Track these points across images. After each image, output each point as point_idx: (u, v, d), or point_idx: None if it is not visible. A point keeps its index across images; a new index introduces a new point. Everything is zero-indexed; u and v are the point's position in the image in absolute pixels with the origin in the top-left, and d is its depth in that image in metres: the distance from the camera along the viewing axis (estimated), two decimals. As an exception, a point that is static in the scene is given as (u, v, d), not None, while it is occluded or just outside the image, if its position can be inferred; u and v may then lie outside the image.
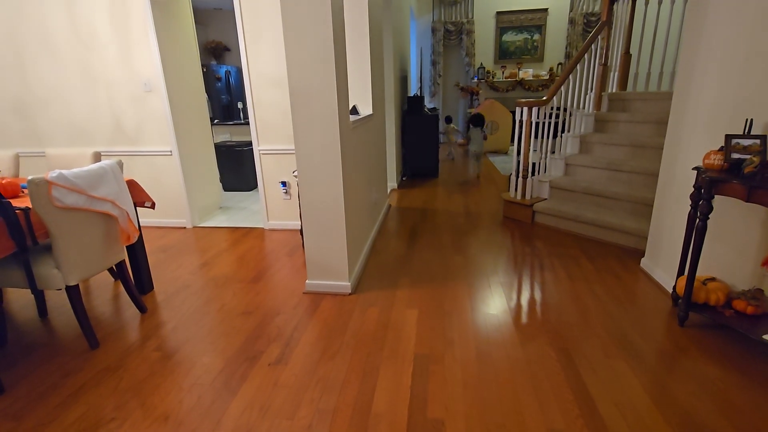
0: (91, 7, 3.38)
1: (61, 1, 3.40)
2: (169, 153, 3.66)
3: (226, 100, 6.95)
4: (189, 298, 2.50)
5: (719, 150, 1.91)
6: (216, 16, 7.23)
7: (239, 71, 7.35)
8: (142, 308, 2.35)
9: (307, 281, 2.53)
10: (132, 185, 2.43)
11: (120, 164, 2.18)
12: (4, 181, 2.11)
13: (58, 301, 2.51)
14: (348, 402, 1.62)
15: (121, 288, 2.67)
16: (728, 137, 1.87)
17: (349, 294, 2.47)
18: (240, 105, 6.54)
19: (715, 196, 1.91)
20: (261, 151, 3.53)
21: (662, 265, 2.49)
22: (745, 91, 1.91)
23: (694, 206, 2.04)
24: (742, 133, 1.86)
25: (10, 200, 1.92)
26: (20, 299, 2.56)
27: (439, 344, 1.97)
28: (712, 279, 2.08)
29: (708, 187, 1.86)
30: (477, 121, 5.28)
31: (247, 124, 5.48)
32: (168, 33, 3.50)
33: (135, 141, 3.69)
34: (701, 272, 2.20)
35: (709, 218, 1.94)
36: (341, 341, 2.02)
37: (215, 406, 1.63)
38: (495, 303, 2.33)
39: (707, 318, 1.98)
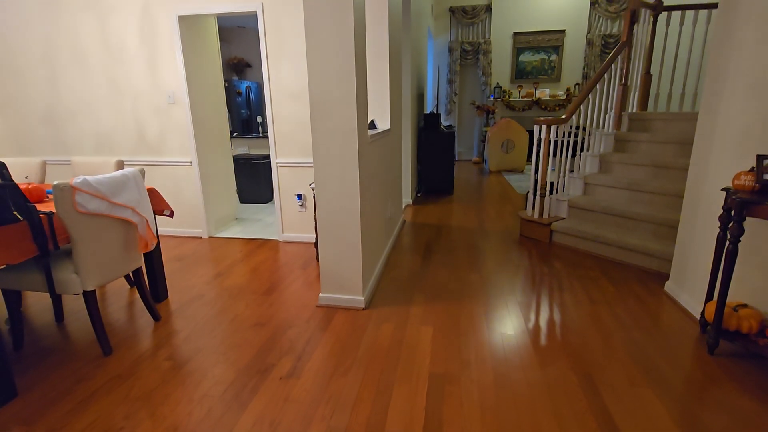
0: (123, 23, 3.52)
1: (94, 16, 3.55)
2: (189, 164, 3.73)
3: (246, 114, 7.10)
4: (202, 308, 2.49)
5: (750, 171, 1.85)
6: (239, 34, 7.46)
7: (259, 86, 7.53)
8: (156, 316, 2.35)
9: (320, 294, 2.50)
10: (152, 193, 2.47)
11: (142, 172, 2.22)
12: (30, 186, 2.16)
13: (74, 307, 2.53)
14: (360, 421, 1.57)
15: (136, 295, 2.68)
16: (759, 158, 1.80)
17: (363, 309, 2.43)
18: (259, 119, 6.67)
19: (747, 218, 1.84)
20: (278, 164, 3.56)
21: (688, 289, 2.40)
22: (777, 111, 1.86)
23: (724, 228, 1.96)
24: (774, 154, 1.80)
25: (35, 205, 1.96)
26: (38, 303, 2.59)
27: (455, 364, 1.91)
28: (744, 305, 1.98)
29: (739, 208, 1.79)
30: None
31: (265, 137, 5.57)
32: (193, 49, 3.61)
33: (157, 151, 3.77)
34: (731, 298, 2.10)
35: (740, 241, 1.87)
36: (354, 357, 1.97)
37: (225, 419, 1.59)
38: (513, 323, 2.26)
39: (739, 347, 1.88)
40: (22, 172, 2.78)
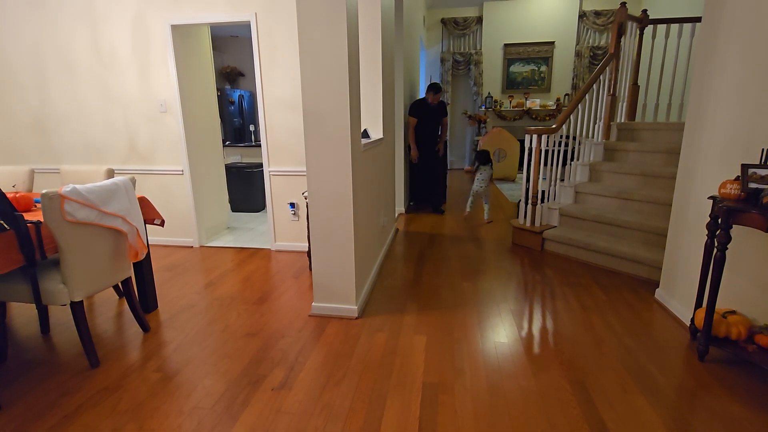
0: (115, 31, 3.51)
1: (86, 23, 3.54)
2: (180, 172, 3.70)
3: (238, 123, 7.10)
4: (193, 318, 2.46)
5: (735, 179, 1.89)
6: (232, 43, 7.49)
7: (252, 95, 7.54)
8: (145, 327, 2.31)
9: (313, 303, 2.48)
10: (143, 202, 2.44)
11: (133, 181, 2.20)
12: (17, 195, 2.13)
13: (61, 318, 2.48)
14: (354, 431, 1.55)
15: (125, 305, 2.64)
16: (744, 167, 1.84)
17: (356, 318, 2.42)
18: (252, 128, 6.67)
19: (733, 226, 1.87)
20: (271, 172, 3.56)
21: (678, 296, 2.42)
22: (760, 121, 1.90)
23: (711, 236, 1.99)
24: (758, 163, 1.84)
25: (23, 214, 1.92)
26: (23, 314, 2.54)
27: (448, 373, 1.90)
28: (732, 312, 2.01)
29: (725, 216, 1.82)
30: (484, 158, 4.52)
31: (258, 146, 5.56)
32: (186, 58, 3.61)
33: (148, 160, 3.74)
34: (720, 305, 2.13)
35: (727, 248, 1.90)
36: (347, 367, 1.95)
37: (215, 431, 1.56)
38: (506, 331, 2.26)
39: (729, 353, 1.90)
40: (9, 180, 2.73)
